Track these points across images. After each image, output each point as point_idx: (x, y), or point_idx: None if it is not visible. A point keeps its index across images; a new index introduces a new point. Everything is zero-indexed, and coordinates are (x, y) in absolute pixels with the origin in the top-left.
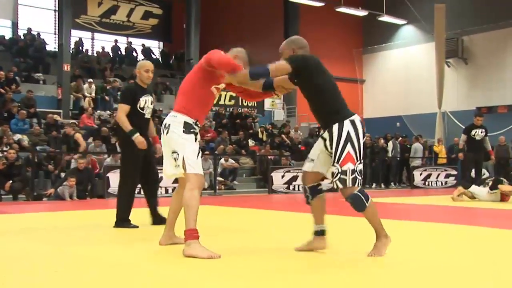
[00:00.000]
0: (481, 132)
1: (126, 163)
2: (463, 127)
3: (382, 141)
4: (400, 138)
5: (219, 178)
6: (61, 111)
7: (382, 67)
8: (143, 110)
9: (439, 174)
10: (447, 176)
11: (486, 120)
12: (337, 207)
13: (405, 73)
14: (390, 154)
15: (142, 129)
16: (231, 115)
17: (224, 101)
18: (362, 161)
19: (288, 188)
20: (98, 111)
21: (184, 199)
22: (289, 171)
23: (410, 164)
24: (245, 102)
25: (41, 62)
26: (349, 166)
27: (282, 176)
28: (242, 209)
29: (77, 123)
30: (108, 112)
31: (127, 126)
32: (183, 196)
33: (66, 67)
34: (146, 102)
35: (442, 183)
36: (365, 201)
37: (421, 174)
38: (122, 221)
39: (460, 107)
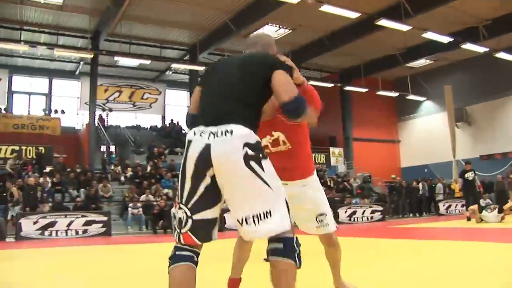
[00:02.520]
0: (472, 174)
1: None
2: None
3: (414, 183)
4: (428, 180)
5: None
6: None
7: (412, 130)
8: None
9: (457, 205)
10: (462, 205)
11: (486, 164)
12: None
13: (428, 134)
14: (421, 192)
15: None
16: None
17: None
18: (186, 204)
19: (350, 220)
20: None
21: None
22: (350, 208)
23: (435, 198)
24: (316, 160)
25: (179, 141)
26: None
27: (345, 212)
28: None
29: None
30: None
31: None
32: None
33: None
34: None
35: (459, 211)
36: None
37: (444, 205)
38: None
39: (468, 156)
